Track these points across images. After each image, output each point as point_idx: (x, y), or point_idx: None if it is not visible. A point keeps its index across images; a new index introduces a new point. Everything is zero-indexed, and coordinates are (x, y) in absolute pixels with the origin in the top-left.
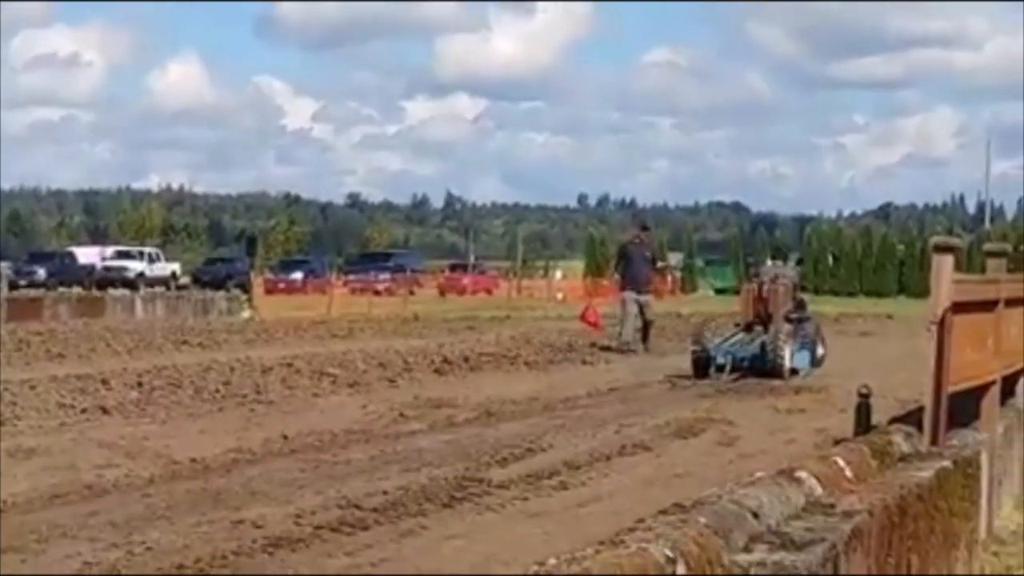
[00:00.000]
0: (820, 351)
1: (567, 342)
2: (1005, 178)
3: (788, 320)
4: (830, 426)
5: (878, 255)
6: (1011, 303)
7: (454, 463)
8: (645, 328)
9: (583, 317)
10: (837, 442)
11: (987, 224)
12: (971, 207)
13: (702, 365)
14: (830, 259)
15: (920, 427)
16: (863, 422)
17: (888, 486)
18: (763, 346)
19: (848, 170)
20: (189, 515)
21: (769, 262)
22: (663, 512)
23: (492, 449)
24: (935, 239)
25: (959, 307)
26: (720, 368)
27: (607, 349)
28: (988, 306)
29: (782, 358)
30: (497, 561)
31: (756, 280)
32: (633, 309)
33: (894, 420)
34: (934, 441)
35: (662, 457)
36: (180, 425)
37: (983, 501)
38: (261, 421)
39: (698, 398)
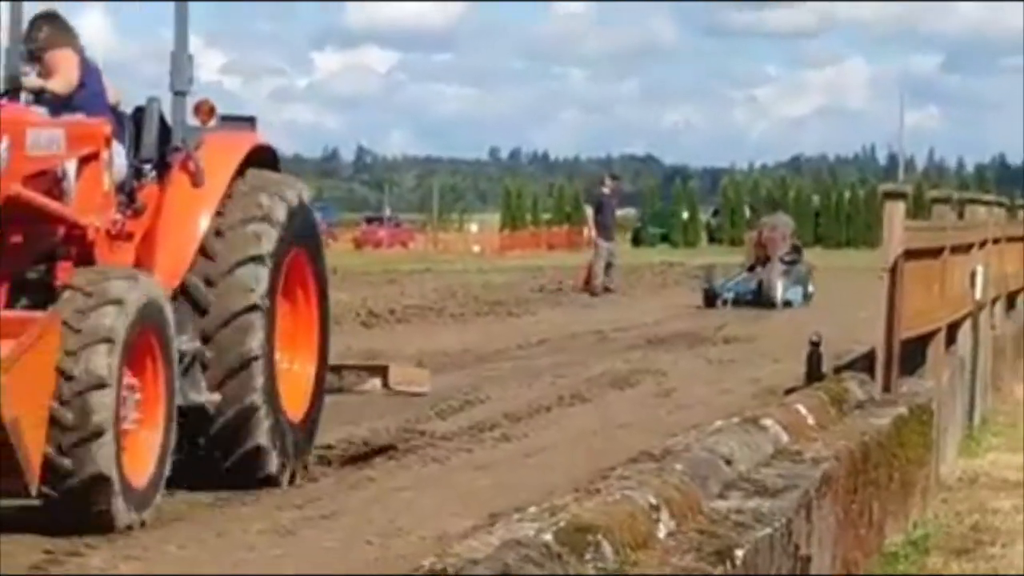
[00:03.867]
0: (810, 288)
1: (492, 295)
2: (916, 129)
3: (783, 262)
4: (763, 376)
5: (794, 206)
6: (956, 250)
7: (394, 415)
8: (608, 268)
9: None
10: (788, 391)
11: (901, 174)
12: (882, 158)
13: (711, 299)
14: (747, 211)
15: (871, 374)
16: (815, 370)
17: (850, 433)
18: (760, 283)
19: (760, 121)
20: None
21: (778, 214)
22: (633, 460)
23: (430, 401)
24: (884, 186)
25: (909, 254)
26: (725, 302)
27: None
28: (935, 253)
29: (775, 292)
30: (447, 512)
31: (758, 228)
32: (605, 256)
33: (840, 368)
34: (887, 388)
35: (601, 408)
36: None
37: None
38: None
39: (628, 349)
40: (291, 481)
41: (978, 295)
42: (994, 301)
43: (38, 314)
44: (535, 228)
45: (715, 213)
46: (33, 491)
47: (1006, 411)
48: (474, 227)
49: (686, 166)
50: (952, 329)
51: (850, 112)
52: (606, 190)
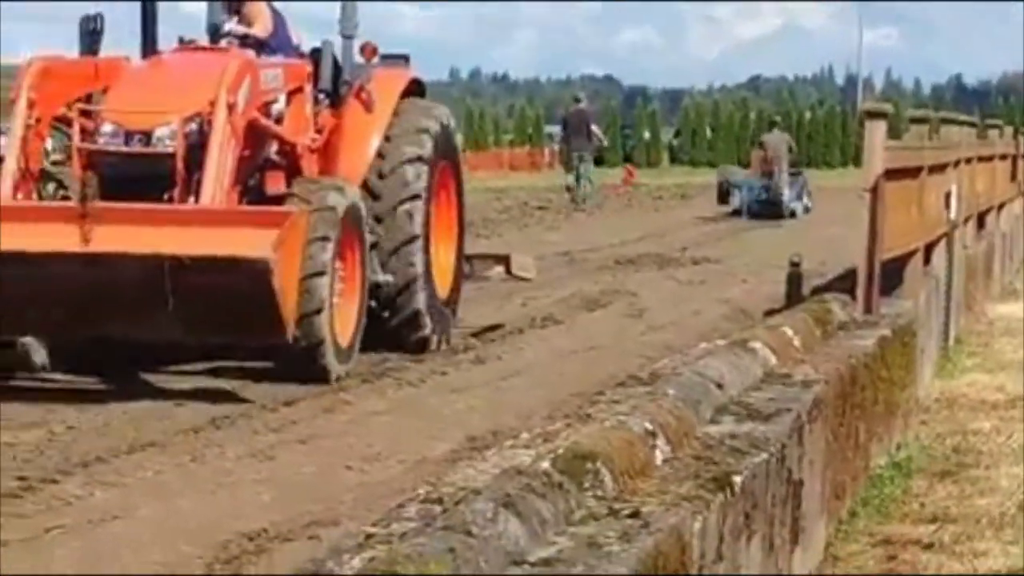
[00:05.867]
0: (808, 202)
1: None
2: (873, 49)
3: (788, 175)
4: (732, 297)
5: (755, 127)
6: (933, 170)
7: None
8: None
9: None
10: (769, 312)
11: (860, 95)
12: (839, 79)
13: (724, 194)
14: (708, 131)
15: (851, 294)
16: (794, 291)
17: (837, 355)
18: (770, 192)
19: (718, 42)
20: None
21: (773, 132)
22: (621, 384)
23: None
24: (866, 105)
25: (889, 174)
26: (737, 211)
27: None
28: (913, 173)
29: (783, 200)
30: (425, 436)
31: (763, 146)
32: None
33: (818, 289)
34: (868, 309)
35: (573, 329)
36: None
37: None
38: None
39: (597, 270)
40: (439, 346)
41: (952, 215)
42: (965, 221)
43: (292, 208)
44: (498, 149)
45: (677, 134)
46: (289, 340)
47: (979, 331)
48: None
49: (645, 87)
50: (927, 249)
51: (808, 32)
52: (582, 105)
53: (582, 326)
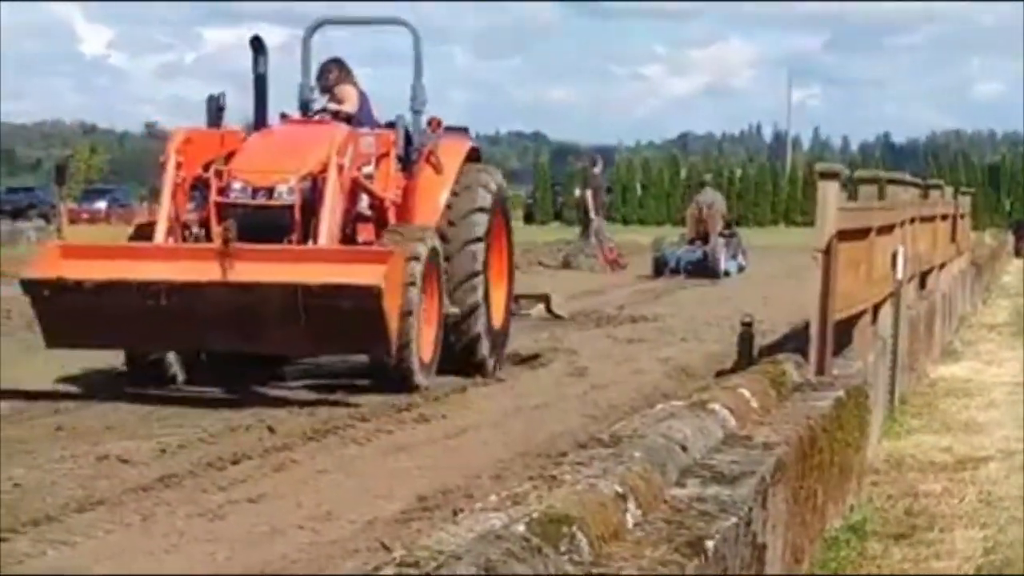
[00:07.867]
0: (743, 261)
1: None
2: (799, 107)
3: (722, 236)
4: (672, 355)
5: (685, 185)
6: (881, 231)
7: (307, 395)
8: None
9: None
10: (721, 372)
11: (788, 153)
12: (767, 136)
13: (660, 267)
14: (638, 188)
15: (803, 355)
16: (746, 351)
17: (795, 417)
18: (705, 254)
19: (647, 99)
20: (50, 450)
21: (706, 191)
22: (583, 446)
23: (343, 379)
24: (819, 166)
25: (840, 235)
26: (674, 271)
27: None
28: (862, 234)
29: (718, 263)
30: (374, 496)
31: (697, 206)
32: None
33: (768, 349)
34: (820, 370)
35: (516, 388)
36: (16, 357)
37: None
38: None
39: (535, 328)
40: (494, 371)
41: (899, 275)
42: (909, 280)
43: (393, 248)
44: None
45: (608, 191)
46: (392, 354)
47: (922, 391)
48: None
49: (575, 143)
50: (875, 309)
51: (734, 91)
52: (596, 170)
53: (524, 385)
